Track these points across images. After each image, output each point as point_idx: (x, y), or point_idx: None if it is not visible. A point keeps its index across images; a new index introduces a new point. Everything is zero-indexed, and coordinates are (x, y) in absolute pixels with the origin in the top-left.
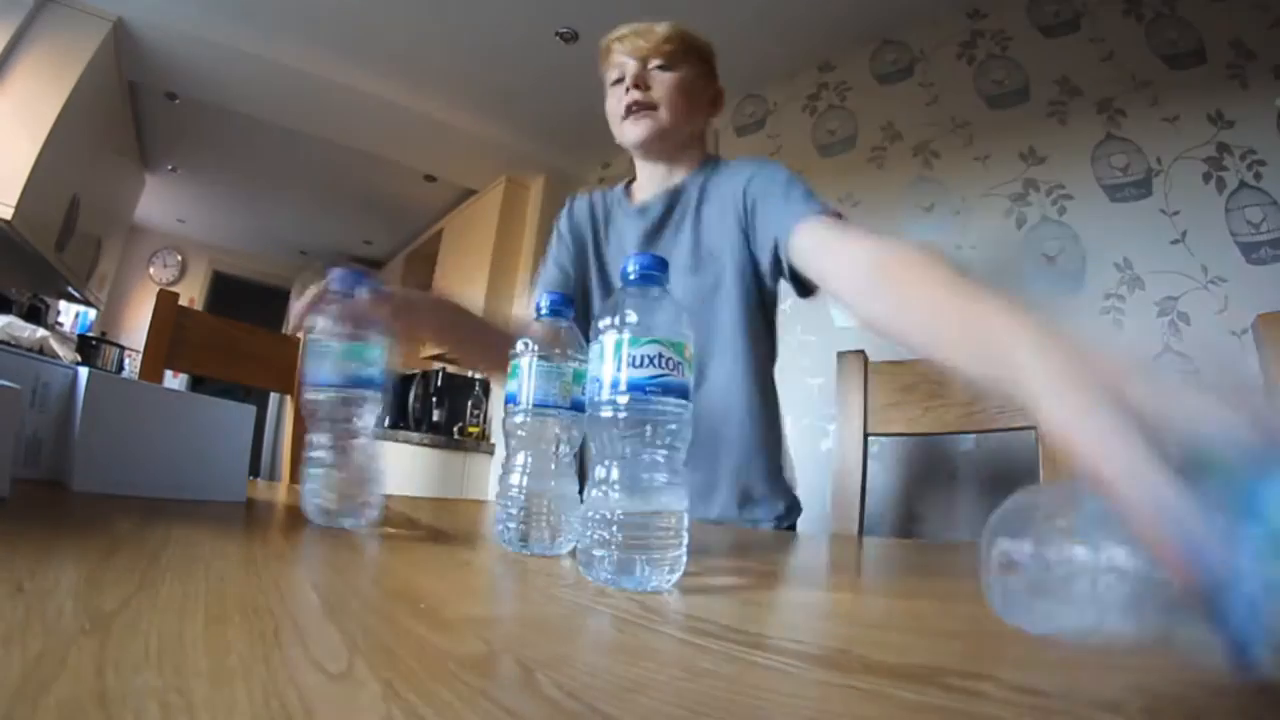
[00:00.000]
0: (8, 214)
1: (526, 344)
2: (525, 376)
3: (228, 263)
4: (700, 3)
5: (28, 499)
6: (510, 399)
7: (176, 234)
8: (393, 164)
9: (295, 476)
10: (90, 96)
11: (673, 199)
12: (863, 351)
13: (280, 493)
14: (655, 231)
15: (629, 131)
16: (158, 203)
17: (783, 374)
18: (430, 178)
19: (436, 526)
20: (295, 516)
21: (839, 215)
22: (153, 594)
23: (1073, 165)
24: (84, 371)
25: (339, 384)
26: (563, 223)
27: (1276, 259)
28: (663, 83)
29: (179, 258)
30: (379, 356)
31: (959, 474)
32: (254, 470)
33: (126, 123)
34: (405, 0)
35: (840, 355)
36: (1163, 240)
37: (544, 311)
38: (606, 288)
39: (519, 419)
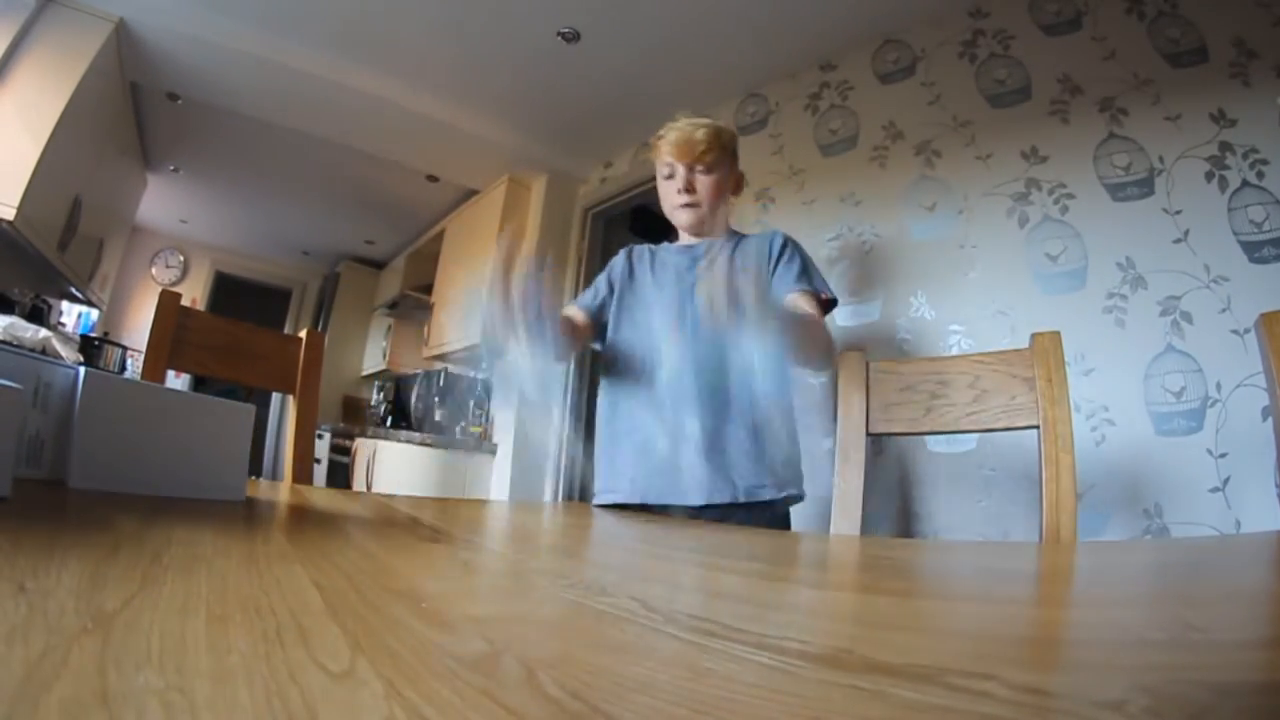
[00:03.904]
0: (10, 215)
1: None
2: None
3: (230, 263)
4: (702, 3)
5: (29, 498)
6: None
7: (179, 234)
8: (394, 164)
9: (298, 476)
10: (92, 97)
11: (711, 245)
12: (864, 351)
13: (282, 492)
14: (696, 260)
15: (680, 218)
16: (160, 203)
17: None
18: (432, 178)
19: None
20: (297, 515)
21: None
22: (155, 593)
23: (1075, 164)
24: (84, 371)
25: None
26: (620, 258)
27: (1279, 258)
28: (703, 184)
29: (181, 258)
30: None
31: (960, 474)
32: (255, 470)
33: (128, 123)
34: (407, 1)
35: (842, 355)
36: (1165, 239)
37: None
38: (631, 303)
39: None
